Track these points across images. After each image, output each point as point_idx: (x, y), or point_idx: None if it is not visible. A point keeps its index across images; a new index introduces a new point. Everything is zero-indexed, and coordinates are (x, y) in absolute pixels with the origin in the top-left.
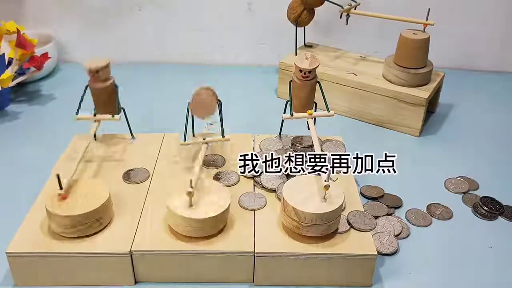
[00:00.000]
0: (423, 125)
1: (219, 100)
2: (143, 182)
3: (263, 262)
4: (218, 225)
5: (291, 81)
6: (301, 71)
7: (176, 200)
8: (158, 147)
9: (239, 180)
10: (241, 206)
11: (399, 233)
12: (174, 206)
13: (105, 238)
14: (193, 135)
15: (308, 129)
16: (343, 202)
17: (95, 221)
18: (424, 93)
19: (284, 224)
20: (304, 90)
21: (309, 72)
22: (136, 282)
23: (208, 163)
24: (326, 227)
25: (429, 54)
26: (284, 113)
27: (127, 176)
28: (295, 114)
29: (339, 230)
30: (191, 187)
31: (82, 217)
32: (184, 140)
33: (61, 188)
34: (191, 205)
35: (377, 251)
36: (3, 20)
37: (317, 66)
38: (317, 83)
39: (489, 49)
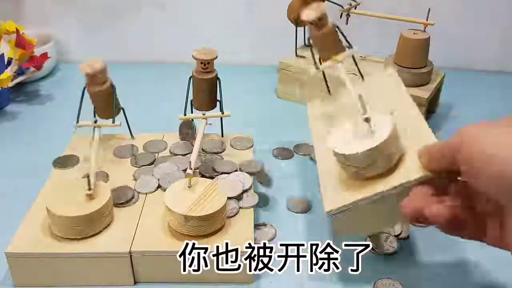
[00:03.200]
0: None
1: (218, 101)
2: None
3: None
4: (215, 224)
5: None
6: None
7: (174, 197)
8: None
9: None
10: (240, 206)
11: (399, 233)
12: (172, 204)
13: (105, 238)
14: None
15: None
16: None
17: (95, 222)
18: (424, 93)
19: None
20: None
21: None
22: (135, 283)
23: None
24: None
25: (429, 54)
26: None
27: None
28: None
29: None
30: (190, 168)
31: (83, 218)
32: (185, 114)
33: (89, 189)
34: (189, 186)
35: (377, 251)
36: (3, 20)
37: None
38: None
39: (489, 49)
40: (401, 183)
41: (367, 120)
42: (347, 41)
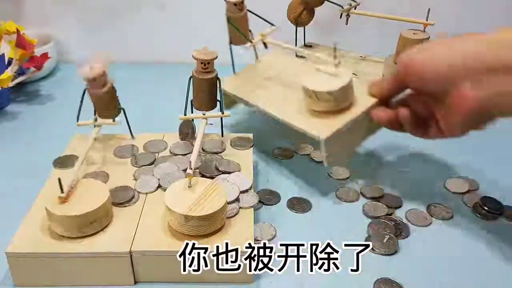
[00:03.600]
0: None
1: (218, 101)
2: None
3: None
4: (215, 224)
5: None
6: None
7: (174, 197)
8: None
9: None
10: (240, 206)
11: (399, 233)
12: (172, 204)
13: (105, 238)
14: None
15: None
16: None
17: (94, 222)
18: None
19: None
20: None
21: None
22: (136, 282)
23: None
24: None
25: None
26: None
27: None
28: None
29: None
30: (190, 168)
31: (82, 217)
32: (185, 114)
33: (62, 192)
34: (189, 186)
35: (377, 251)
36: (3, 20)
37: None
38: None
39: None
40: (367, 106)
41: (338, 64)
42: (266, 20)
